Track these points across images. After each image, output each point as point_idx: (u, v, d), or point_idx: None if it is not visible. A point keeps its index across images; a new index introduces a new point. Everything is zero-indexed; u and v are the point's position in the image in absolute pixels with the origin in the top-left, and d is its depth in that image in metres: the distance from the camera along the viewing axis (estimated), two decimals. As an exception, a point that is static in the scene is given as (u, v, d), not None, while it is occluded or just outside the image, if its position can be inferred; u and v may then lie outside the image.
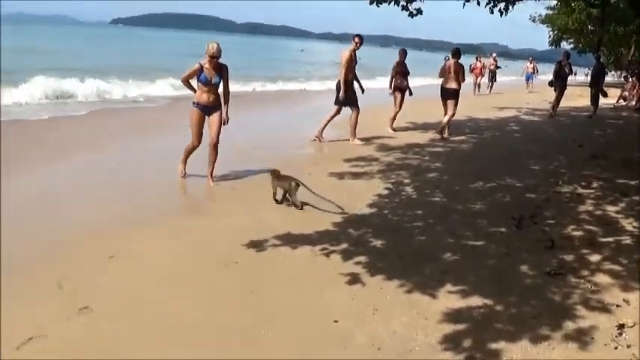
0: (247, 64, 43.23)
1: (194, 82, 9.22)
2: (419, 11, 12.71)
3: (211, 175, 9.32)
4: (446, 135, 14.84)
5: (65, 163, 10.34)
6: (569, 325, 4.69)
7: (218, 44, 8.91)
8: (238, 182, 9.40)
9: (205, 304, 5.03)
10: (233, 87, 10.06)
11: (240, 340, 4.47)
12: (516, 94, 32.57)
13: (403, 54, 15.98)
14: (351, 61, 13.28)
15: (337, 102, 13.43)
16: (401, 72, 15.71)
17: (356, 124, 13.41)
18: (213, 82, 9.06)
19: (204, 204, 8.48)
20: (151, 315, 4.82)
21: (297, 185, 8.10)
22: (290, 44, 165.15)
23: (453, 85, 14.85)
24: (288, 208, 7.97)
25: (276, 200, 8.25)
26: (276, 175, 8.36)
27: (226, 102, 9.24)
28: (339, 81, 13.38)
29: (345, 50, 13.52)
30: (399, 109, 15.83)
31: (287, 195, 8.15)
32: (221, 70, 9.08)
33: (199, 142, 9.34)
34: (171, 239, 6.67)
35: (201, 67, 8.97)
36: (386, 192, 8.93)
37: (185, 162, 9.55)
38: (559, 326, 4.66)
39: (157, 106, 19.47)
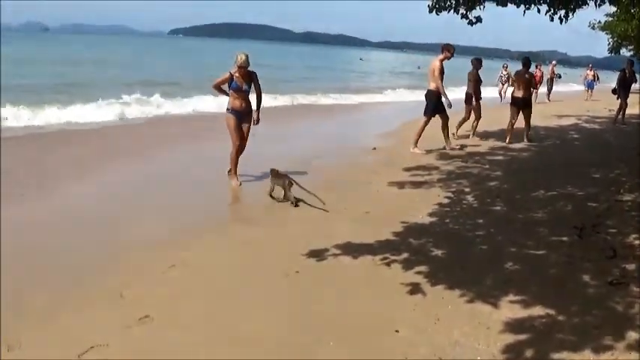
0: (307, 74, 43.56)
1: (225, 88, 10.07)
2: (478, 19, 12.61)
3: (235, 173, 10.09)
4: (507, 141, 14.86)
5: (120, 174, 10.74)
6: (632, 336, 4.64)
7: (247, 55, 9.66)
8: (300, 191, 9.53)
9: (266, 314, 5.11)
10: (291, 99, 10.38)
11: (300, 349, 4.53)
12: (576, 101, 32.06)
13: (478, 63, 16.27)
14: (442, 71, 13.61)
15: (427, 111, 13.77)
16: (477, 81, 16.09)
17: (421, 131, 13.67)
18: (243, 89, 9.81)
19: (264, 213, 8.55)
20: (211, 325, 4.89)
21: (291, 183, 8.81)
22: (348, 53, 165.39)
23: (522, 93, 15.36)
24: (350, 218, 8.06)
25: (271, 196, 8.99)
26: (274, 173, 9.05)
27: (258, 104, 9.95)
28: (428, 90, 13.73)
29: (435, 60, 13.75)
30: (478, 117, 16.35)
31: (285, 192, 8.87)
32: (251, 78, 9.83)
33: (240, 141, 9.97)
34: (231, 248, 6.82)
35: (232, 75, 9.76)
36: (446, 201, 8.94)
37: (235, 171, 10.07)
38: (622, 336, 4.63)
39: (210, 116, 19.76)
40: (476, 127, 16.22)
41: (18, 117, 15.66)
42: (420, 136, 13.64)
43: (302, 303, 5.33)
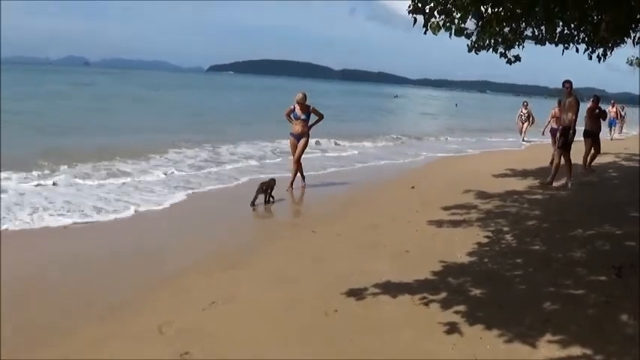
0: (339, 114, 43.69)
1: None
2: (517, 58, 12.68)
3: (303, 179, 14.06)
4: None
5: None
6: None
7: (304, 94, 13.65)
8: (344, 228, 9.76)
9: (304, 354, 5.21)
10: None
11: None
12: (614, 139, 31.86)
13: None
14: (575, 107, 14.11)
15: (562, 145, 14.43)
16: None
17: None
18: (302, 118, 13.59)
19: (307, 248, 8.67)
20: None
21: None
22: (385, 90, 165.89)
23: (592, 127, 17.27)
24: (389, 256, 8.15)
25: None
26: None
27: (316, 122, 13.85)
28: (563, 127, 14.33)
29: (571, 98, 14.12)
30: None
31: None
32: (308, 109, 13.65)
33: (295, 159, 13.68)
34: (272, 285, 6.96)
35: (294, 107, 13.62)
36: (485, 240, 8.98)
37: (296, 171, 13.82)
38: (661, 377, 4.64)
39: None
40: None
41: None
42: (571, 171, 14.59)
43: (342, 342, 5.42)
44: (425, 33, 8.74)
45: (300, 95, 13.53)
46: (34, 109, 31.05)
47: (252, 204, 11.51)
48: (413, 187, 13.87)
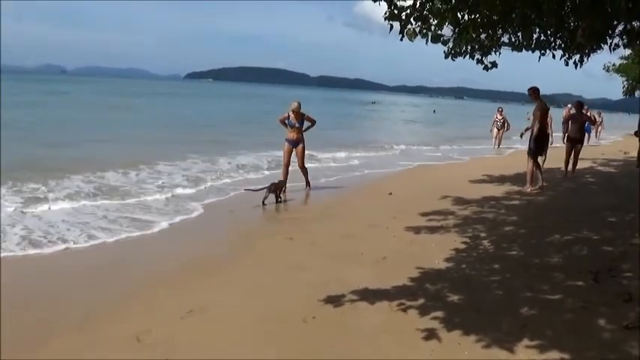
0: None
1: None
2: (494, 64, 12.79)
3: (308, 184, 15.12)
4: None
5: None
6: (649, 380, 4.71)
7: (299, 103, 14.59)
8: (321, 235, 9.81)
9: (284, 361, 5.21)
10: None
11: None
12: (590, 145, 32.21)
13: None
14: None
15: (530, 152, 14.69)
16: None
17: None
18: (296, 125, 14.58)
19: (282, 257, 8.66)
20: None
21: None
22: (362, 97, 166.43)
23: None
24: (367, 263, 8.18)
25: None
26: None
27: (309, 127, 14.86)
28: (533, 135, 14.50)
29: (537, 105, 14.43)
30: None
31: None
32: (302, 117, 14.65)
33: (288, 164, 14.69)
34: (249, 293, 6.97)
35: (289, 115, 14.60)
36: (463, 246, 9.03)
37: (286, 175, 14.53)
38: (638, 381, 4.69)
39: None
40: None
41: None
42: (532, 178, 14.71)
43: (321, 349, 5.42)
44: (401, 39, 8.81)
45: (295, 104, 14.52)
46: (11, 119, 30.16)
47: (263, 203, 12.62)
48: (390, 194, 13.93)
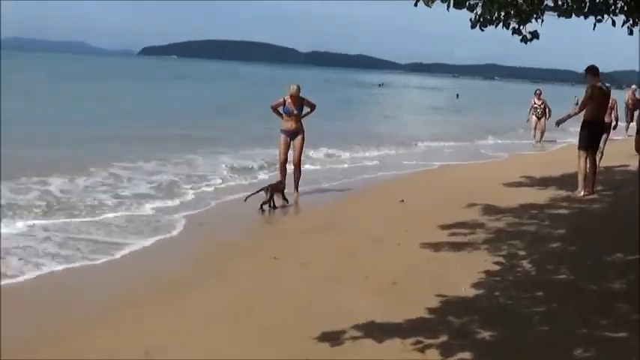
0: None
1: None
2: (534, 35, 12.57)
3: (297, 188, 14.98)
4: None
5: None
6: None
7: (298, 86, 14.83)
8: (314, 253, 9.84)
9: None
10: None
11: None
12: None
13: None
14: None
15: (582, 146, 14.73)
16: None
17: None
18: (294, 112, 14.73)
19: (262, 283, 8.56)
20: None
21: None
22: (366, 78, 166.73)
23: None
24: (372, 289, 8.07)
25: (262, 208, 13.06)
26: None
27: (309, 113, 15.19)
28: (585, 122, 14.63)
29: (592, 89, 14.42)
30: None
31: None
32: (301, 102, 14.86)
33: (285, 159, 15.03)
34: (233, 325, 6.93)
35: (285, 100, 14.75)
36: (496, 268, 8.92)
37: (284, 176, 14.87)
38: None
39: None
40: None
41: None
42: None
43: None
44: (416, 4, 8.70)
45: (294, 87, 14.76)
46: None
47: (262, 208, 13.11)
48: (402, 201, 13.84)
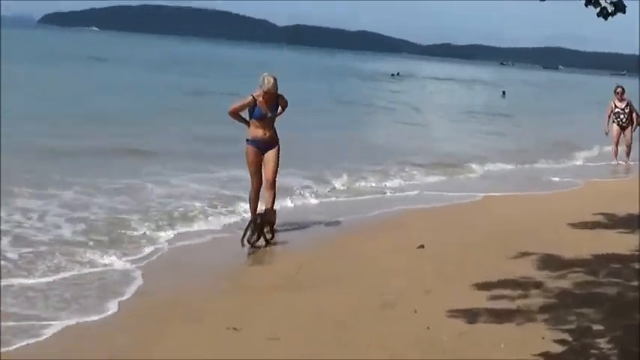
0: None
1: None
2: (618, 7, 12.66)
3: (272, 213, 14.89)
4: None
5: None
6: None
7: (275, 79, 14.55)
8: (287, 325, 9.80)
9: None
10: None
11: None
12: None
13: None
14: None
15: None
16: None
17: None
18: (268, 116, 14.71)
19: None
20: None
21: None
22: (373, 64, 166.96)
23: None
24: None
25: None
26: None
27: (280, 113, 15.10)
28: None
29: None
30: None
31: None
32: (277, 101, 14.80)
33: (260, 182, 14.92)
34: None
35: (254, 100, 14.58)
36: (558, 348, 8.90)
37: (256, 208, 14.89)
38: None
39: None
40: None
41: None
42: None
43: None
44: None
45: (270, 81, 14.57)
46: None
47: (250, 243, 13.77)
48: (421, 247, 13.81)
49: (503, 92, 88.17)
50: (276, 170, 14.95)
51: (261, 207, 14.84)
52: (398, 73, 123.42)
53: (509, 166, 29.25)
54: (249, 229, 13.57)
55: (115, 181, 19.51)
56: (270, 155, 14.79)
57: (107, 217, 15.92)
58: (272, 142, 14.75)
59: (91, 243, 14.05)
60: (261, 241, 13.76)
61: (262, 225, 13.69)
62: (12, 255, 12.91)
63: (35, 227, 14.74)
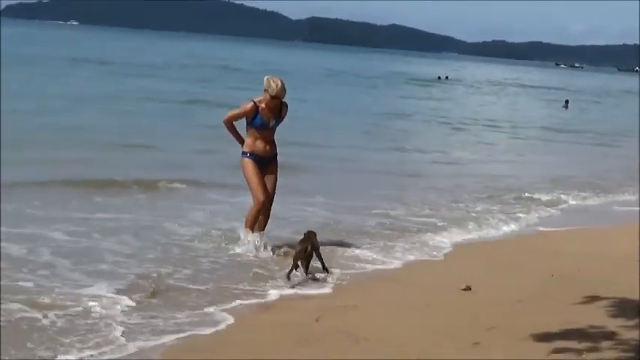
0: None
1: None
2: None
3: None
4: None
5: None
6: None
7: (282, 81, 14.90)
8: None
9: None
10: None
11: None
12: None
13: None
14: None
15: None
16: None
17: None
18: (270, 125, 15.18)
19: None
20: None
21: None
22: (411, 67, 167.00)
23: None
24: None
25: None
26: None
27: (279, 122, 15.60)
28: None
29: None
30: None
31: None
32: (281, 111, 15.30)
33: (264, 195, 15.15)
34: None
35: (256, 106, 14.93)
36: None
37: (253, 230, 15.30)
38: None
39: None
40: None
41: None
42: None
43: None
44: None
45: (277, 84, 14.92)
46: None
47: (288, 276, 13.90)
48: (467, 289, 13.82)
49: (566, 102, 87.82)
50: (275, 187, 15.51)
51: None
52: (444, 77, 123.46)
53: (565, 193, 28.50)
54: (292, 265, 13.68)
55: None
56: (269, 171, 15.33)
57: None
58: (272, 156, 15.28)
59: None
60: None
61: (297, 259, 13.70)
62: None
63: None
